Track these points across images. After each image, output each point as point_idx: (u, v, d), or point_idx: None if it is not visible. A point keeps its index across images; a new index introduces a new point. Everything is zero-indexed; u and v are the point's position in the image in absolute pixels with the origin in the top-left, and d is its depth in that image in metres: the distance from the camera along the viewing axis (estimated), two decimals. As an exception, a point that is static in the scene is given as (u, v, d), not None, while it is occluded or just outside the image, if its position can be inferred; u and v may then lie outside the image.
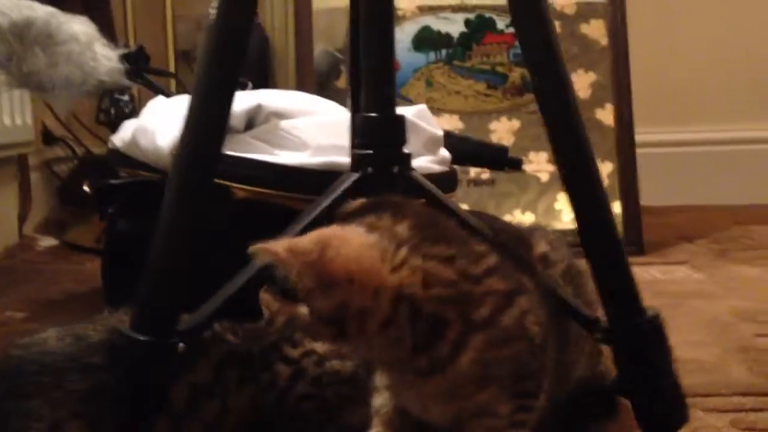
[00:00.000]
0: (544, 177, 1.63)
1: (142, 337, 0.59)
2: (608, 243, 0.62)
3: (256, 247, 0.54)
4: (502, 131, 1.64)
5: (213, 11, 0.65)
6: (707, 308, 1.14)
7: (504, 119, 1.65)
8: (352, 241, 0.53)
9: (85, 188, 1.98)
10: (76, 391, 0.63)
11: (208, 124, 0.63)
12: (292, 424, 0.67)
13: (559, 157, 0.63)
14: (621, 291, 0.62)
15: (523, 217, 1.62)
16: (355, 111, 0.77)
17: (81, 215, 1.85)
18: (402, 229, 0.54)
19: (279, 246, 0.53)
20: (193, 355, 0.64)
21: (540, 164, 1.61)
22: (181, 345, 0.61)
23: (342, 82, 1.71)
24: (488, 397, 0.57)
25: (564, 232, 1.55)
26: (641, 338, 0.61)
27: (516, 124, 1.65)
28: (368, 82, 0.70)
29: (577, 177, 0.62)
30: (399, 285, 0.52)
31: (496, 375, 0.56)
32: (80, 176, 1.97)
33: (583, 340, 0.66)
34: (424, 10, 1.67)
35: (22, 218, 1.73)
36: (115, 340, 0.61)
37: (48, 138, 1.93)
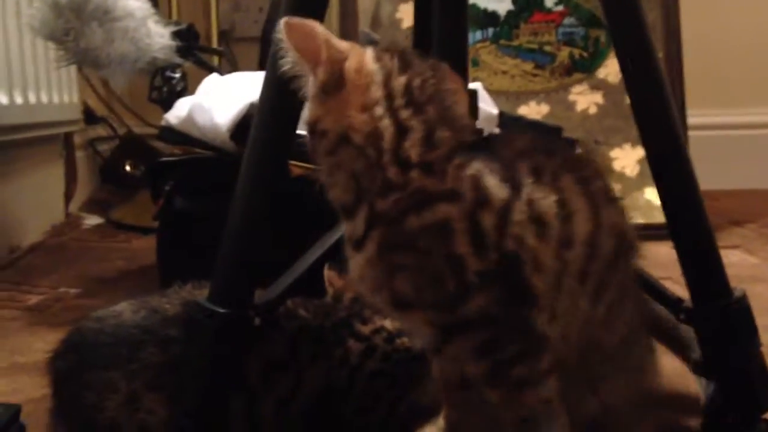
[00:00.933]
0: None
1: (220, 310, 0.59)
2: (696, 224, 0.61)
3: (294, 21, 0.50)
4: (531, 115, 1.61)
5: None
6: (763, 293, 1.12)
7: (533, 103, 1.62)
8: (359, 62, 0.50)
9: (127, 168, 2.00)
10: (152, 363, 0.63)
11: (284, 99, 0.62)
12: (363, 401, 0.66)
13: (647, 138, 0.61)
14: (708, 272, 0.61)
15: None
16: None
17: (123, 194, 1.86)
18: (397, 82, 0.50)
19: (323, 33, 0.50)
20: (267, 330, 0.64)
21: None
22: (257, 319, 0.61)
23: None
24: (416, 321, 0.50)
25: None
26: (729, 319, 0.60)
27: (545, 108, 1.62)
28: (440, 57, 0.69)
29: (665, 160, 0.60)
30: (348, 126, 0.49)
31: (408, 291, 0.48)
32: (122, 156, 1.99)
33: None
34: (469, -12, 1.64)
35: (68, 197, 1.74)
36: (192, 313, 0.61)
37: (90, 117, 1.94)
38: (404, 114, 0.49)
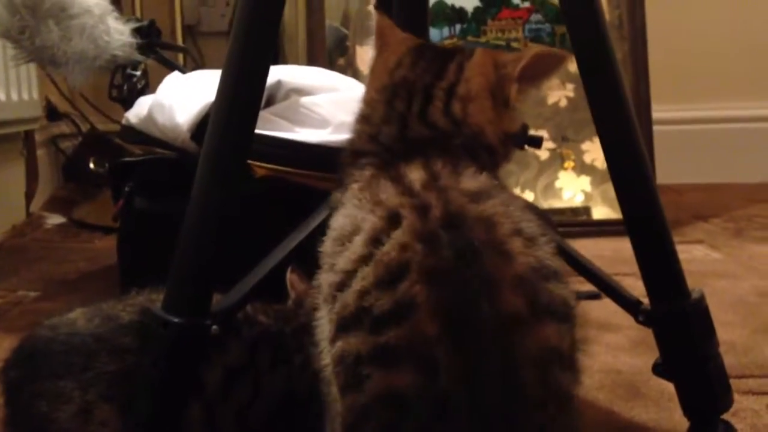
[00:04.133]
0: (544, 155, 1.62)
1: (175, 319, 0.58)
2: (653, 225, 0.61)
3: None
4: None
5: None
6: (730, 288, 1.13)
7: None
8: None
9: (91, 165, 1.96)
10: (106, 373, 0.61)
11: (242, 99, 0.61)
12: (325, 408, 0.65)
13: (604, 137, 0.61)
14: (665, 273, 0.61)
15: (522, 196, 1.61)
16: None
17: (86, 192, 1.83)
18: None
19: None
20: (225, 337, 0.62)
21: (539, 143, 1.58)
22: (214, 327, 0.60)
23: (344, 60, 1.68)
24: None
25: (563, 211, 1.56)
26: (686, 321, 0.60)
27: (515, 102, 1.62)
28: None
29: (621, 158, 0.60)
30: None
31: None
32: (85, 153, 1.95)
33: None
34: (437, -16, 1.63)
35: (29, 196, 1.71)
36: (146, 322, 0.60)
37: (52, 114, 1.90)
38: None
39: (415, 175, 0.49)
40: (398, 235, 0.46)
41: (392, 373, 0.43)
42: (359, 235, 0.48)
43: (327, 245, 0.51)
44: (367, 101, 0.59)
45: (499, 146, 0.54)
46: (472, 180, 0.49)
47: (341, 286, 0.47)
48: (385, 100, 0.57)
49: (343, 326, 0.46)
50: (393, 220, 0.47)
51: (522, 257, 0.45)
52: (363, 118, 0.58)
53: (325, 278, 0.50)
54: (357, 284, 0.46)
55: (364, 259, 0.46)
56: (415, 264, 0.44)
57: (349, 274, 0.47)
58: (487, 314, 0.43)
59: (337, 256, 0.49)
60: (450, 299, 0.43)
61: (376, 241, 0.46)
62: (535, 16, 1.63)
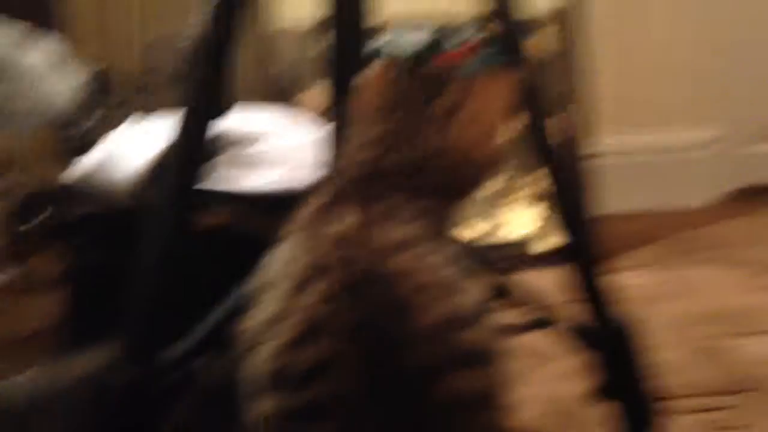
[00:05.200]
0: (490, 188, 1.65)
1: (127, 370, 0.58)
2: (585, 251, 0.65)
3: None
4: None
5: (194, 29, 0.64)
6: (667, 311, 1.17)
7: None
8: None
9: (36, 222, 1.93)
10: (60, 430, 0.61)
11: (189, 151, 0.63)
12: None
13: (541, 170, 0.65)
14: (599, 297, 0.64)
15: (458, 237, 1.62)
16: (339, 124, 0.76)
17: (33, 248, 1.80)
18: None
19: None
20: (176, 390, 0.63)
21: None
22: (165, 379, 0.60)
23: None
24: None
25: (507, 245, 1.58)
26: (613, 343, 0.64)
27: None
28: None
29: (558, 190, 0.65)
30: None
31: None
32: (31, 209, 1.92)
33: None
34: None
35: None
36: (99, 374, 0.60)
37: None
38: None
39: (348, 220, 0.49)
40: (321, 288, 0.47)
41: (317, 429, 0.45)
42: (285, 283, 0.48)
43: (260, 286, 0.51)
44: (357, 121, 0.57)
45: (486, 168, 0.56)
46: (401, 227, 0.49)
47: (262, 337, 0.48)
48: (375, 120, 0.54)
49: (265, 383, 0.47)
50: (318, 270, 0.47)
51: (435, 309, 0.46)
52: (350, 138, 0.56)
53: (250, 324, 0.50)
54: (277, 338, 0.47)
55: (285, 313, 0.47)
56: (335, 320, 0.46)
57: (270, 325, 0.48)
58: (403, 369, 0.45)
59: (264, 302, 0.50)
60: (368, 356, 0.45)
61: (299, 290, 0.47)
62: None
